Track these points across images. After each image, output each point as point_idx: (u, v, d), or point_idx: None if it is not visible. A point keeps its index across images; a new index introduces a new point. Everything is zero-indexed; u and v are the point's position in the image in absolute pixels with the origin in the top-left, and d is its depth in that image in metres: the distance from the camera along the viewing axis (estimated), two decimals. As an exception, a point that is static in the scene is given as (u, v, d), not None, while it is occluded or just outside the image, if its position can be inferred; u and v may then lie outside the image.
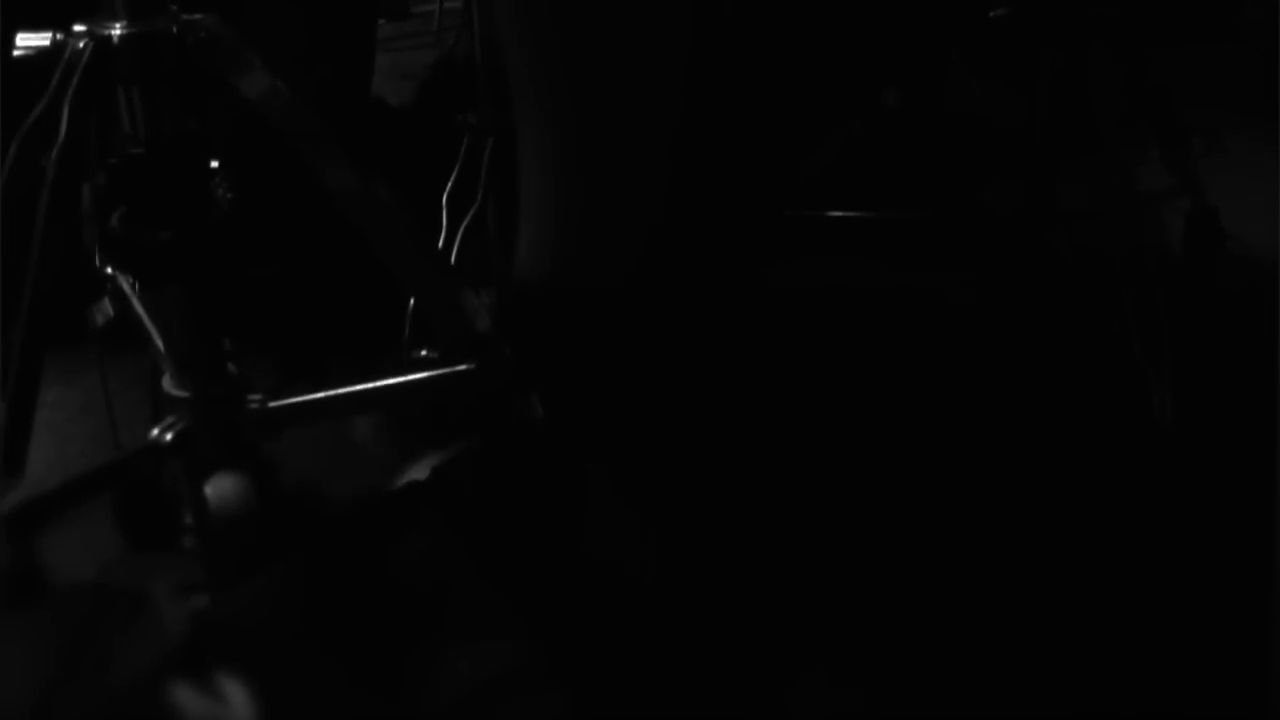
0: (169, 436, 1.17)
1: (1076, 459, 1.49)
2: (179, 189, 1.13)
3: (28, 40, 1.10)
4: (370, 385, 1.19)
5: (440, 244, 1.70)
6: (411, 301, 1.70)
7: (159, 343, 1.22)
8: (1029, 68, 1.82)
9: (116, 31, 1.09)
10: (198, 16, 1.11)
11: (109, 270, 1.21)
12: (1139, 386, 1.59)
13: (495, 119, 1.74)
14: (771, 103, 1.85)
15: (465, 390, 1.19)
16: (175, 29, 1.10)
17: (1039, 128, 1.83)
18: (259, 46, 1.94)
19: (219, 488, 1.17)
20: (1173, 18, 2.74)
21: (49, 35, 1.10)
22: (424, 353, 1.41)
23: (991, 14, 1.79)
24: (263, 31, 1.95)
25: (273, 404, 1.20)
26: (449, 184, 1.74)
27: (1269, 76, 2.72)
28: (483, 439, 1.21)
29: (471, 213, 1.71)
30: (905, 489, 1.40)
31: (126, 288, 1.25)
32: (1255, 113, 2.52)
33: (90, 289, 1.27)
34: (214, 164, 1.18)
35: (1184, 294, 1.84)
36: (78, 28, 1.10)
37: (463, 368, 1.18)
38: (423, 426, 1.40)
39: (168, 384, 1.19)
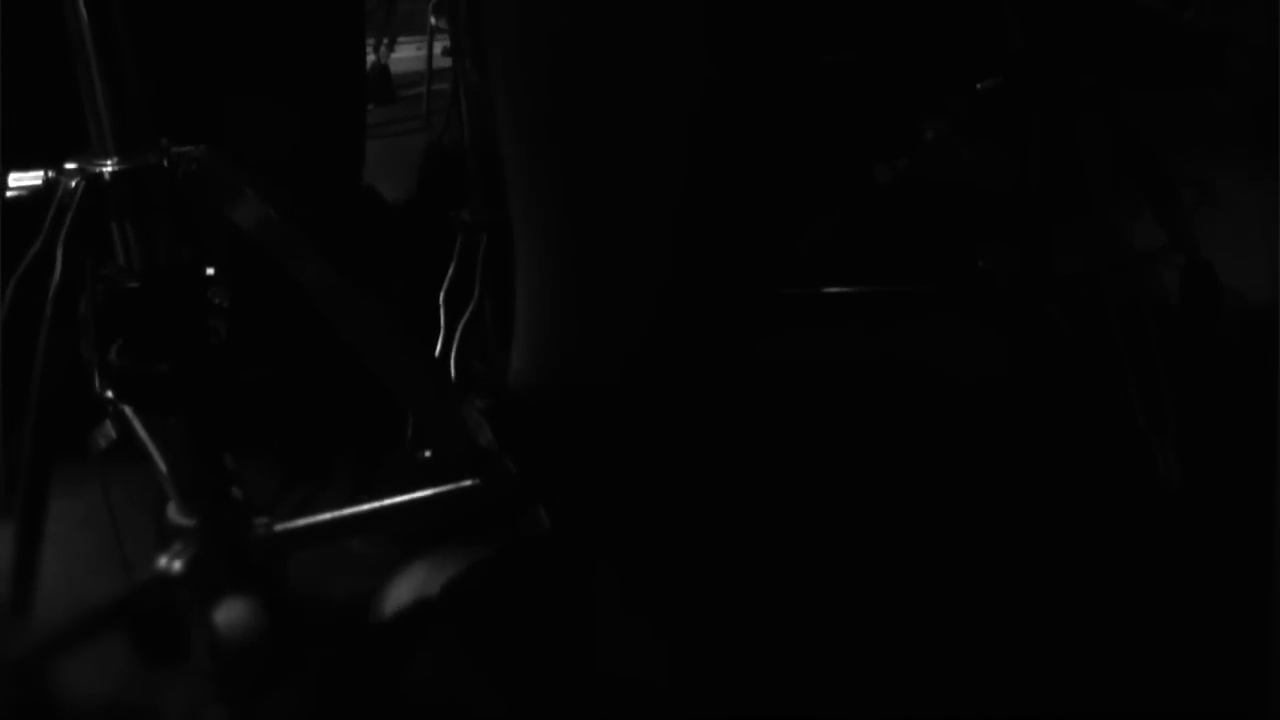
0: (176, 566, 1.17)
1: (1083, 528, 1.48)
2: (175, 321, 1.13)
3: (20, 180, 1.10)
4: (373, 505, 1.18)
5: (439, 343, 1.70)
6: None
7: (162, 466, 1.22)
8: (1018, 129, 1.83)
9: (108, 169, 1.09)
10: (188, 149, 1.11)
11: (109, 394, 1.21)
12: (1144, 452, 1.59)
13: (488, 215, 1.75)
14: (768, 187, 1.86)
15: (468, 505, 1.18)
16: (166, 162, 1.10)
17: (1032, 193, 1.83)
18: (253, 144, 1.97)
19: (228, 614, 1.17)
20: (1156, 66, 2.75)
21: (40, 174, 1.11)
22: (427, 454, 1.41)
23: (979, 86, 1.79)
24: (257, 127, 1.96)
25: (278, 528, 1.19)
26: (445, 282, 1.75)
27: (1254, 123, 2.74)
28: (490, 551, 1.21)
29: (469, 311, 1.71)
30: (914, 568, 1.39)
31: (128, 411, 1.25)
32: (1241, 160, 2.53)
33: (91, 409, 1.27)
34: (209, 270, 1.18)
35: (1184, 350, 1.84)
36: (69, 165, 1.10)
37: (466, 483, 1.18)
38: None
39: (173, 512, 1.19)
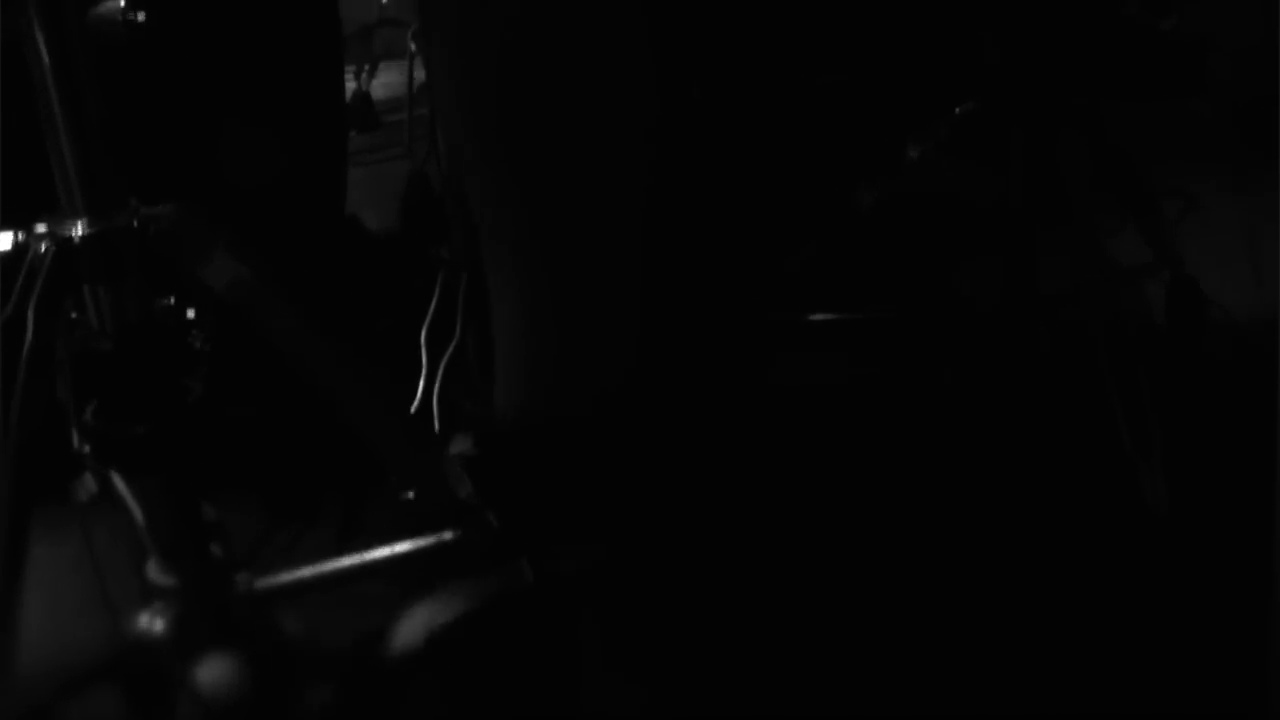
0: (158, 626, 1.16)
1: (1072, 548, 1.48)
2: (151, 382, 1.12)
3: (-11, 245, 1.10)
4: (354, 560, 1.18)
5: (421, 382, 1.69)
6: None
7: (141, 522, 1.21)
8: (999, 149, 1.82)
9: (78, 232, 1.08)
10: (158, 209, 1.11)
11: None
12: (1130, 477, 1.58)
13: (468, 252, 1.74)
14: (749, 212, 1.86)
15: (450, 558, 1.18)
16: (136, 223, 1.10)
17: (1015, 213, 1.82)
18: (235, 174, 1.96)
19: (212, 673, 1.16)
20: (1137, 75, 2.75)
21: (9, 236, 1.10)
22: (410, 494, 1.40)
23: (958, 109, 1.79)
24: (239, 158, 1.96)
25: (259, 584, 1.19)
26: (427, 320, 1.74)
27: (1236, 127, 2.74)
28: (474, 601, 1.20)
29: (450, 349, 1.70)
30: (904, 602, 1.39)
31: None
32: (1224, 170, 2.53)
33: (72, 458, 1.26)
34: (190, 312, 1.18)
35: (1169, 369, 1.83)
36: (39, 228, 1.10)
37: (447, 536, 1.17)
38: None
39: (153, 570, 1.18)
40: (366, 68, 3.25)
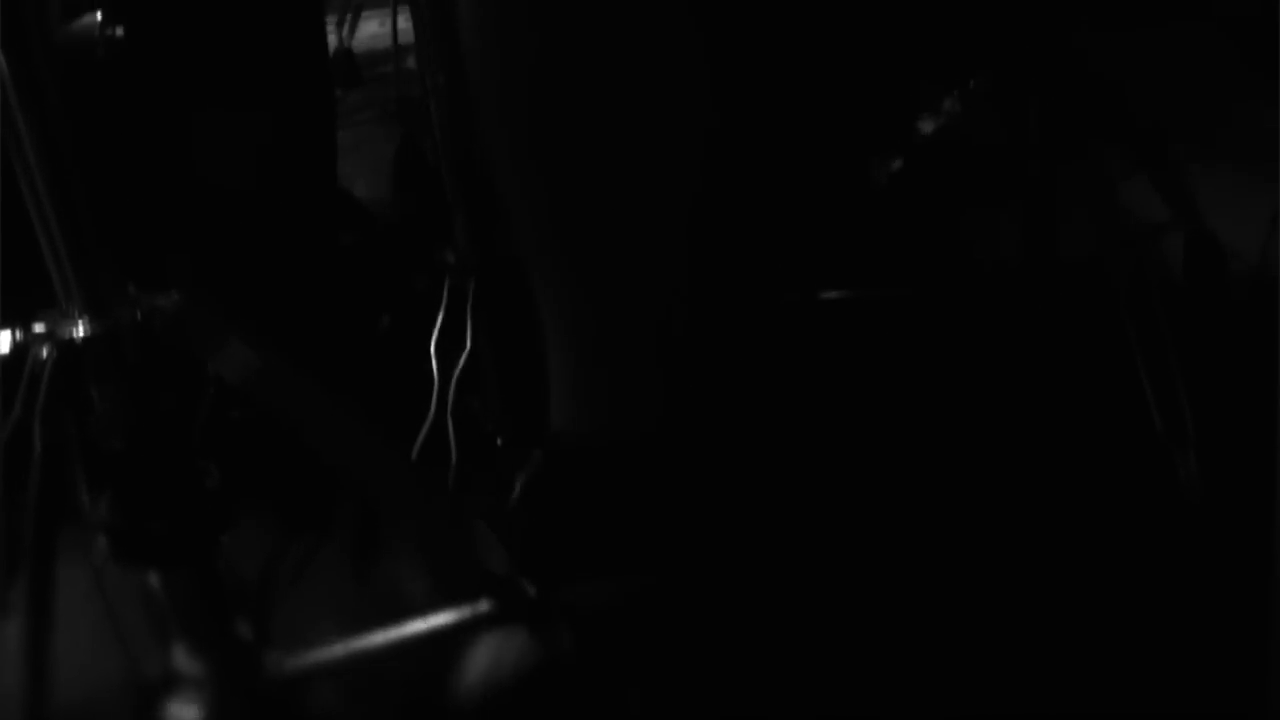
0: (190, 716, 1.14)
1: (1100, 534, 1.46)
2: (165, 477, 1.08)
3: (-13, 345, 1.05)
4: (387, 639, 1.15)
5: (434, 399, 1.64)
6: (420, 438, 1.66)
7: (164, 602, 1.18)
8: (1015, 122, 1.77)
9: (79, 332, 1.04)
10: (160, 300, 1.06)
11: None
12: (1163, 459, 1.55)
13: (475, 256, 1.67)
14: (770, 195, 1.80)
15: (485, 628, 1.15)
16: (139, 315, 1.05)
17: (1033, 182, 1.77)
18: (223, 160, 1.90)
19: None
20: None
21: (8, 336, 1.05)
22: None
23: (971, 84, 1.73)
24: (225, 143, 1.90)
25: (289, 665, 1.16)
26: (435, 331, 1.67)
27: (1241, 47, 2.67)
28: (513, 676, 1.17)
29: (462, 362, 1.64)
30: (944, 619, 1.37)
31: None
32: (1231, 99, 2.47)
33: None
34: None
35: (1194, 333, 1.78)
36: (38, 328, 1.05)
37: (483, 608, 1.14)
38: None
39: (180, 660, 1.16)
40: (349, 17, 3.15)
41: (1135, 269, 1.74)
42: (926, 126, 1.79)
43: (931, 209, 1.94)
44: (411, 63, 2.94)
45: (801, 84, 1.78)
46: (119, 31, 1.65)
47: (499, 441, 1.65)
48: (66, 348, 1.03)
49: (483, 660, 1.17)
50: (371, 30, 3.26)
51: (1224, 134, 2.33)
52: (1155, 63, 2.66)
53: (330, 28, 3.04)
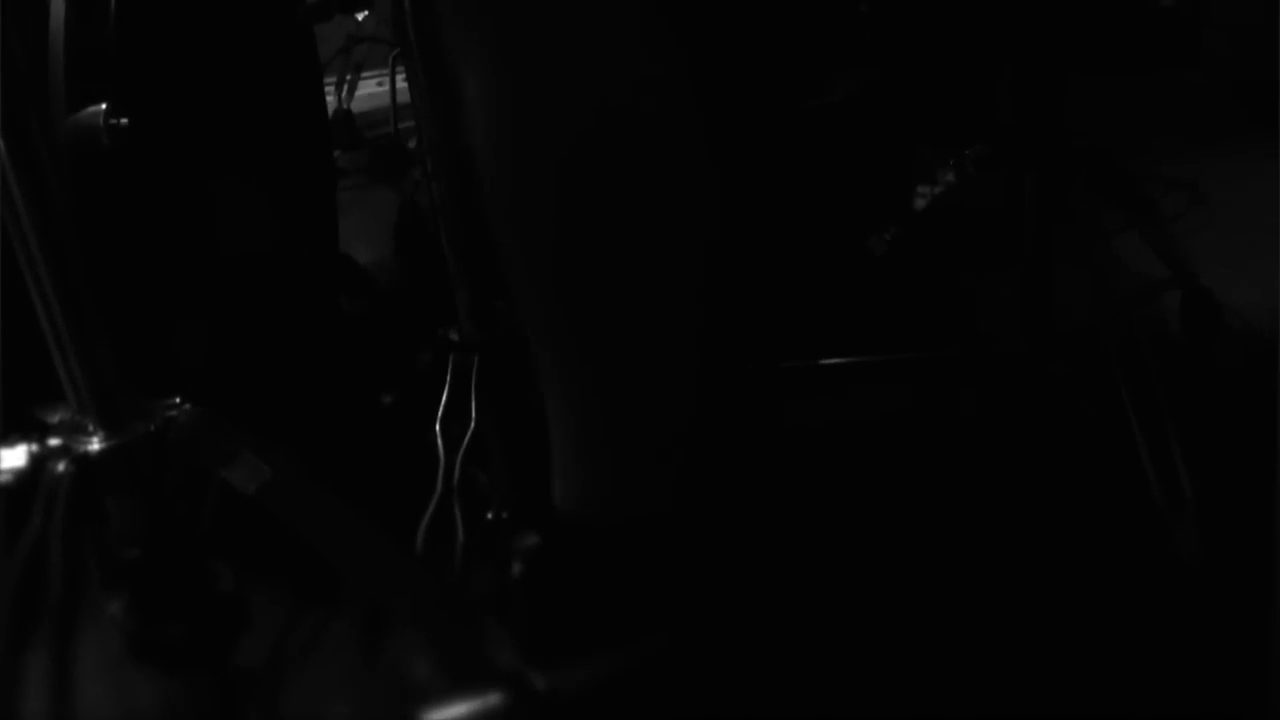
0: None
1: (1097, 601, 1.48)
2: (180, 584, 1.10)
3: (3, 461, 1.07)
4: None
5: (440, 478, 1.66)
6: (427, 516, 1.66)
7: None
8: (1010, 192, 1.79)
9: (94, 446, 1.06)
10: (174, 411, 1.08)
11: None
12: (1160, 525, 1.57)
13: (479, 334, 1.69)
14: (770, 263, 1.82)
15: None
16: (154, 427, 1.07)
17: (1030, 256, 1.79)
18: (233, 231, 1.92)
19: None
20: (1130, 46, 2.70)
21: (24, 450, 1.07)
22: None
23: (968, 152, 1.75)
24: (233, 214, 1.92)
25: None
26: (440, 408, 1.69)
27: (1237, 102, 2.70)
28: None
29: (467, 439, 1.66)
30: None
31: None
32: (1228, 150, 2.50)
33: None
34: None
35: (1190, 388, 1.80)
36: (53, 442, 1.07)
37: (493, 701, 1.16)
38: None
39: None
40: (347, 79, 3.18)
41: (1129, 334, 1.76)
42: (924, 195, 1.81)
43: (929, 275, 1.96)
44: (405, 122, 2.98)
45: (801, 166, 1.80)
46: (124, 121, 1.68)
47: (504, 517, 1.66)
48: (82, 461, 1.05)
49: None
50: (370, 90, 3.29)
51: (1220, 186, 2.35)
52: (1147, 112, 2.70)
53: (329, 89, 3.06)
